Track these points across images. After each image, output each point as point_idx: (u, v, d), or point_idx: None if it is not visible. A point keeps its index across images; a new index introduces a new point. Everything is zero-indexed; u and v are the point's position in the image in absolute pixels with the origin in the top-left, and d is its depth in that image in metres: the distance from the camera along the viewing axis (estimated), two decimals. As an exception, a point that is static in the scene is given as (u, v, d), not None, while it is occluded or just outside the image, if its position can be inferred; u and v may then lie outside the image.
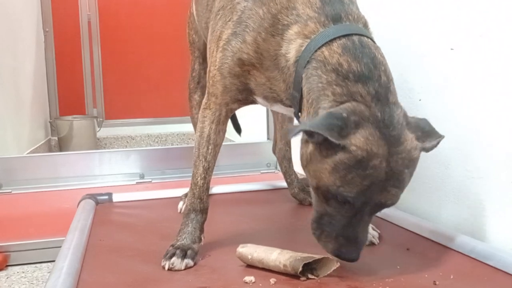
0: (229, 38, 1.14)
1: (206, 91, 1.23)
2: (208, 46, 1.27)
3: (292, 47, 1.06)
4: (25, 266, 1.69)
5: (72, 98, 4.22)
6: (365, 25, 1.08)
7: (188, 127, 3.90)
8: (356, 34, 1.01)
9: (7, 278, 1.61)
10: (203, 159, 1.24)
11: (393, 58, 1.61)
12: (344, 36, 1.00)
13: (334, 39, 1.00)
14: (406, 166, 0.95)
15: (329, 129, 0.91)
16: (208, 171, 1.24)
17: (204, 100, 1.25)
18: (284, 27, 1.07)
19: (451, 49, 1.37)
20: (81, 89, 4.24)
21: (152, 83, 4.36)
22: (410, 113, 1.53)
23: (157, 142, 4.28)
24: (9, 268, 1.68)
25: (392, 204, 0.99)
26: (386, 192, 0.96)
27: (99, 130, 4.13)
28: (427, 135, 0.99)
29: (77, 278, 1.08)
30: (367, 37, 1.03)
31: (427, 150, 1.00)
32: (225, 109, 1.22)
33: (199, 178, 1.24)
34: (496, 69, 1.24)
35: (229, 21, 1.16)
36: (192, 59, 1.71)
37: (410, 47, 1.54)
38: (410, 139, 0.96)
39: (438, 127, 1.43)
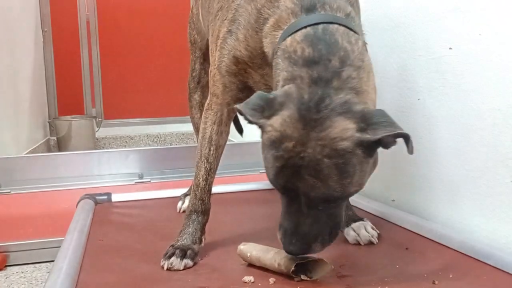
0: (225, 36, 1.15)
1: (209, 92, 1.24)
2: (210, 47, 1.28)
3: (268, 41, 1.06)
4: (24, 266, 1.69)
5: (71, 98, 4.22)
6: (348, 15, 1.03)
7: (187, 127, 3.90)
8: (325, 23, 0.98)
9: (6, 278, 1.61)
10: (205, 161, 1.24)
11: (392, 57, 1.61)
12: (311, 25, 0.98)
13: (301, 28, 0.99)
14: (326, 156, 0.88)
15: (251, 109, 0.93)
16: (210, 172, 1.25)
17: (207, 101, 1.25)
18: (265, 21, 1.07)
19: (450, 48, 1.37)
20: (79, 89, 4.24)
21: (151, 82, 4.36)
22: (409, 112, 1.54)
23: (156, 142, 4.28)
24: (8, 268, 1.68)
25: (319, 196, 0.91)
26: (304, 180, 0.90)
27: (98, 130, 4.13)
28: (375, 127, 0.89)
29: (76, 278, 1.08)
30: (341, 25, 0.99)
31: (368, 142, 0.89)
32: (227, 109, 1.22)
33: (200, 180, 1.25)
34: (495, 68, 1.24)
35: (225, 19, 1.16)
36: (193, 59, 1.71)
37: (409, 46, 1.54)
38: (340, 127, 0.89)
39: (437, 126, 1.44)
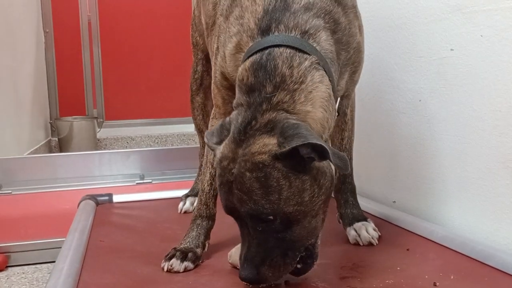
0: (215, 53, 1.18)
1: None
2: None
3: (232, 64, 1.09)
4: (25, 267, 1.69)
5: (72, 98, 4.22)
6: (305, 33, 1.02)
7: (188, 128, 3.90)
8: (272, 46, 0.99)
9: (7, 278, 1.61)
10: (210, 166, 1.25)
11: (393, 58, 1.61)
12: (260, 50, 1.00)
13: (252, 54, 1.00)
14: (248, 169, 0.92)
15: (208, 137, 1.02)
16: (214, 177, 1.24)
17: (212, 110, 1.28)
18: (230, 39, 1.09)
19: (451, 49, 1.37)
20: (81, 90, 4.24)
21: (152, 83, 4.36)
22: (410, 113, 1.54)
23: (157, 142, 4.28)
24: (9, 268, 1.68)
25: (249, 212, 0.93)
26: (234, 195, 0.94)
27: (99, 131, 4.13)
28: (290, 139, 0.90)
29: (77, 279, 1.08)
30: (289, 46, 0.99)
31: (283, 155, 0.90)
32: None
33: (206, 185, 1.26)
34: (496, 69, 1.24)
35: (215, 36, 1.20)
36: (195, 60, 1.70)
37: (410, 47, 1.54)
38: (261, 144, 0.92)
39: (438, 127, 1.43)
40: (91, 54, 4.22)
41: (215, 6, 1.24)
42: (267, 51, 0.99)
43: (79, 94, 4.24)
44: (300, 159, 0.91)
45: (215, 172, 1.24)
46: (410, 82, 1.55)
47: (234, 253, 1.12)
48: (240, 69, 1.01)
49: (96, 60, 4.23)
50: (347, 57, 1.13)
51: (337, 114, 1.07)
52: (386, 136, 1.68)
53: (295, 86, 0.96)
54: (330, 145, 1.08)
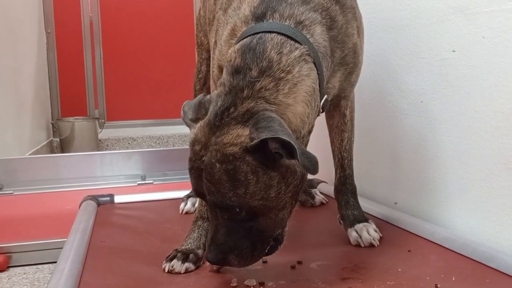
0: (213, 47, 1.19)
1: None
2: None
3: (226, 49, 1.09)
4: (26, 267, 1.69)
5: (74, 99, 4.23)
6: (299, 23, 1.03)
7: (189, 129, 3.91)
8: (264, 32, 1.00)
9: (9, 279, 1.61)
10: None
11: (394, 59, 1.61)
12: (252, 34, 1.00)
13: (244, 38, 1.01)
14: (218, 160, 0.91)
15: (185, 109, 1.02)
16: None
17: None
18: (225, 28, 1.10)
19: (453, 50, 1.37)
20: (82, 91, 4.26)
21: (153, 84, 4.37)
22: (411, 115, 1.54)
23: (158, 143, 4.28)
24: (11, 269, 1.68)
25: (215, 202, 0.94)
26: (203, 183, 0.94)
27: (100, 132, 4.14)
28: (261, 131, 0.89)
29: (79, 280, 1.08)
30: (281, 34, 1.00)
31: (252, 147, 0.90)
32: None
33: None
34: (498, 70, 1.24)
35: (213, 30, 1.22)
36: (199, 60, 1.70)
37: (412, 48, 1.54)
38: (234, 134, 0.92)
39: (440, 129, 1.43)
40: (92, 54, 4.23)
41: (216, 0, 1.25)
42: (258, 36, 1.00)
43: (81, 94, 4.25)
44: (270, 154, 0.91)
45: None
46: (411, 83, 1.54)
47: None
48: (230, 51, 1.02)
49: (97, 61, 4.24)
50: (342, 56, 1.14)
51: (321, 110, 1.07)
52: (388, 137, 1.68)
53: (281, 74, 0.97)
54: (307, 142, 1.07)
